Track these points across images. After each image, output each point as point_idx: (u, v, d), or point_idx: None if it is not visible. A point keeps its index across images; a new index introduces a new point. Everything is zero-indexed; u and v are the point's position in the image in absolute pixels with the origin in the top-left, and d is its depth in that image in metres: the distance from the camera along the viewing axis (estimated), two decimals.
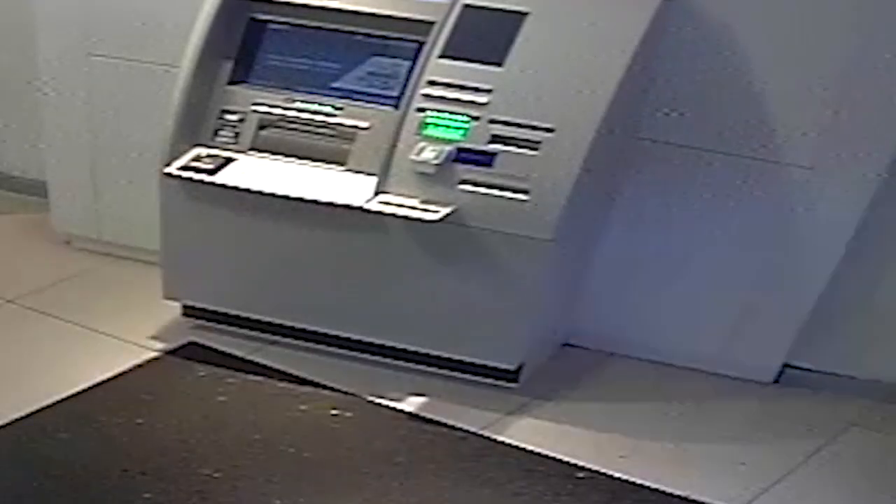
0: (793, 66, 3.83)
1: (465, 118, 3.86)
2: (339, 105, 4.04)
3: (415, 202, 3.84)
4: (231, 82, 4.13)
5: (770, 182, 3.92)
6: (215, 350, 4.13)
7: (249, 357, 4.10)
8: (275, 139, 4.07)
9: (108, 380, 3.94)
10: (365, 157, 3.95)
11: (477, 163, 3.82)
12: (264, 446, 3.64)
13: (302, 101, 4.06)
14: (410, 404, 3.89)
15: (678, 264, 4.08)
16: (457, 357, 3.99)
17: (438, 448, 3.68)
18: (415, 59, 3.98)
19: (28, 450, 3.59)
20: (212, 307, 4.20)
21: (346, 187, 3.92)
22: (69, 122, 4.63)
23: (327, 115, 4.03)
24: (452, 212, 3.81)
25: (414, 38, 4.00)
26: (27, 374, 3.97)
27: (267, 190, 3.94)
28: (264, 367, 4.04)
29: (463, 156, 3.83)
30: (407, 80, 3.97)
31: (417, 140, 3.87)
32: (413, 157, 3.85)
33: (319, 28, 4.12)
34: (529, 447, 3.70)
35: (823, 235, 3.92)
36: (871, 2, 3.74)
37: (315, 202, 3.90)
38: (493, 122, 3.83)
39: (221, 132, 4.10)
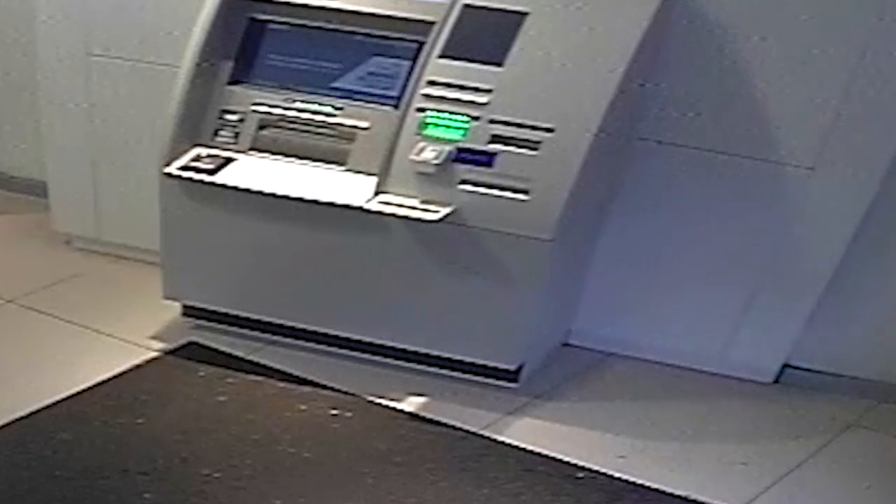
0: (793, 66, 3.83)
1: (465, 118, 3.86)
2: (339, 105, 4.04)
3: (415, 202, 3.84)
4: (231, 82, 4.13)
5: (770, 182, 3.92)
6: (215, 350, 4.13)
7: (249, 357, 4.10)
8: (275, 139, 4.07)
9: (108, 380, 3.94)
10: (365, 157, 3.95)
11: (477, 163, 3.82)
12: (264, 446, 3.64)
13: (302, 101, 4.06)
14: (410, 404, 3.89)
15: (678, 265, 4.08)
16: (457, 357, 3.99)
17: (438, 448, 3.68)
18: (415, 59, 3.98)
19: (28, 450, 3.59)
20: (212, 307, 4.20)
21: (346, 187, 3.92)
22: (69, 122, 4.63)
23: (327, 115, 4.03)
24: (452, 212, 3.81)
25: (414, 38, 4.00)
26: (27, 374, 3.97)
27: (267, 190, 3.94)
28: (264, 367, 4.04)
29: (463, 156, 3.83)
30: (407, 80, 3.97)
31: (417, 140, 3.87)
32: (413, 157, 3.85)
33: (319, 28, 4.12)
34: (529, 447, 3.70)
35: (823, 235, 3.92)
36: (872, 2, 3.74)
37: (315, 202, 3.90)
38: (493, 122, 3.83)
39: (221, 132, 4.10)
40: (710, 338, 4.10)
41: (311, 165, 4.01)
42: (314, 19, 4.12)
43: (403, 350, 4.04)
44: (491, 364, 3.96)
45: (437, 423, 3.80)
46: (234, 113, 4.11)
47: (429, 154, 3.84)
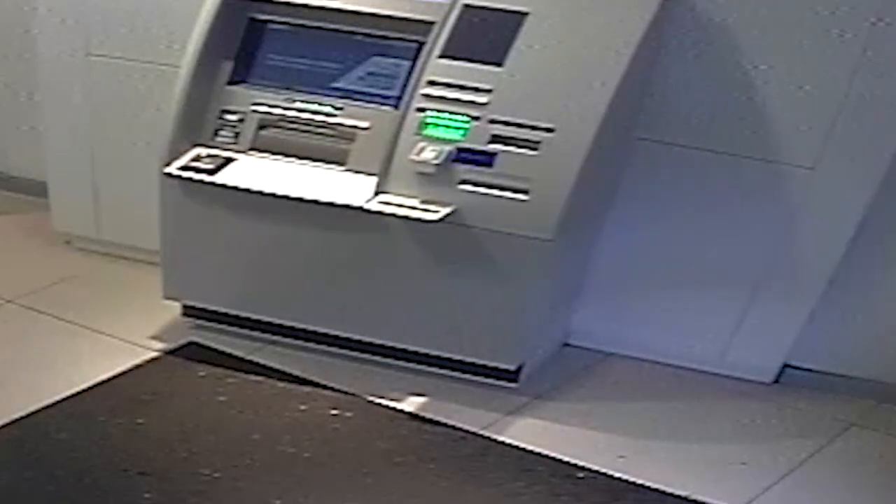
0: (793, 65, 3.83)
1: (465, 118, 3.86)
2: (339, 105, 4.04)
3: (415, 202, 3.84)
4: (231, 82, 4.13)
5: (770, 182, 3.92)
6: (215, 350, 4.13)
7: (249, 357, 4.10)
8: (275, 139, 4.07)
9: (108, 380, 3.94)
10: (365, 157, 3.95)
11: (477, 163, 3.82)
12: (264, 446, 3.64)
13: (302, 101, 4.06)
14: (410, 404, 3.89)
15: (678, 264, 4.08)
16: (457, 357, 3.99)
17: (438, 448, 3.68)
18: (415, 59, 3.98)
19: (28, 450, 3.59)
20: (212, 307, 4.20)
21: (346, 187, 3.92)
22: (69, 122, 4.63)
23: (327, 115, 4.03)
24: (452, 212, 3.81)
25: (414, 38, 4.00)
26: (27, 374, 3.97)
27: (267, 190, 3.94)
28: (264, 367, 4.04)
29: (463, 156, 3.84)
30: (407, 80, 3.97)
31: (417, 140, 3.87)
32: (413, 157, 3.85)
33: (319, 28, 4.12)
34: (529, 447, 3.70)
35: (823, 235, 3.92)
36: (871, 2, 3.74)
37: (315, 202, 3.90)
38: (493, 122, 3.83)
39: (221, 132, 4.10)
40: (711, 338, 4.10)
41: (311, 165, 4.01)
42: (314, 19, 4.12)
43: (403, 350, 4.04)
44: (491, 364, 3.96)
45: (437, 423, 3.80)
46: (234, 113, 4.10)
47: (429, 154, 3.84)
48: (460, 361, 3.99)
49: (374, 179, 3.89)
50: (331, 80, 4.10)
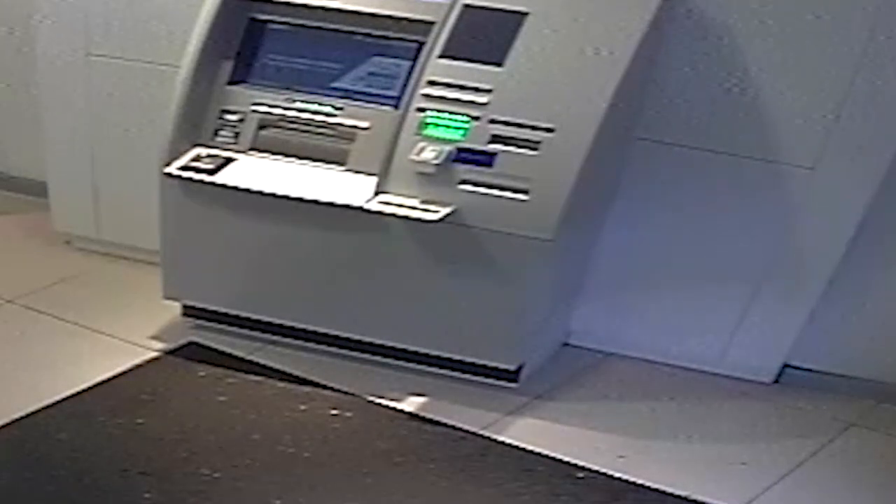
0: (793, 65, 3.83)
1: (465, 118, 3.86)
2: (339, 105, 4.04)
3: (415, 202, 3.84)
4: (231, 82, 4.13)
5: (770, 182, 3.92)
6: (215, 350, 4.13)
7: (249, 357, 4.10)
8: (275, 139, 4.07)
9: (108, 380, 3.94)
10: (365, 157, 3.95)
11: (477, 163, 3.82)
12: (264, 446, 3.64)
13: (302, 101, 4.06)
14: (410, 404, 3.89)
15: (678, 264, 4.08)
16: (457, 357, 3.99)
17: (438, 448, 3.68)
18: (415, 59, 3.98)
19: (28, 450, 3.59)
20: (212, 307, 4.20)
21: (346, 187, 3.92)
22: (69, 122, 4.63)
23: (327, 115, 4.03)
24: (452, 212, 3.81)
25: (414, 38, 4.00)
26: (27, 374, 3.97)
27: (267, 190, 3.94)
28: (264, 367, 4.04)
29: (463, 156, 3.83)
30: (407, 80, 3.97)
31: (417, 140, 3.87)
32: (413, 157, 3.85)
33: (319, 28, 4.12)
34: (529, 447, 3.70)
35: (823, 235, 3.92)
36: (871, 2, 3.74)
37: (315, 202, 3.90)
38: (493, 122, 3.83)
39: (221, 132, 4.10)
40: (711, 338, 4.10)
41: (311, 165, 4.02)
42: (314, 19, 4.12)
43: (403, 350, 4.04)
44: (491, 364, 3.96)
45: (437, 423, 3.80)
46: (234, 113, 4.10)
47: (429, 154, 3.84)
48: (460, 361, 3.99)
49: (374, 179, 3.89)
50: (331, 80, 4.10)
